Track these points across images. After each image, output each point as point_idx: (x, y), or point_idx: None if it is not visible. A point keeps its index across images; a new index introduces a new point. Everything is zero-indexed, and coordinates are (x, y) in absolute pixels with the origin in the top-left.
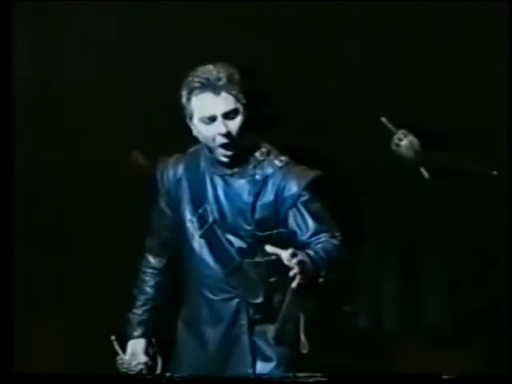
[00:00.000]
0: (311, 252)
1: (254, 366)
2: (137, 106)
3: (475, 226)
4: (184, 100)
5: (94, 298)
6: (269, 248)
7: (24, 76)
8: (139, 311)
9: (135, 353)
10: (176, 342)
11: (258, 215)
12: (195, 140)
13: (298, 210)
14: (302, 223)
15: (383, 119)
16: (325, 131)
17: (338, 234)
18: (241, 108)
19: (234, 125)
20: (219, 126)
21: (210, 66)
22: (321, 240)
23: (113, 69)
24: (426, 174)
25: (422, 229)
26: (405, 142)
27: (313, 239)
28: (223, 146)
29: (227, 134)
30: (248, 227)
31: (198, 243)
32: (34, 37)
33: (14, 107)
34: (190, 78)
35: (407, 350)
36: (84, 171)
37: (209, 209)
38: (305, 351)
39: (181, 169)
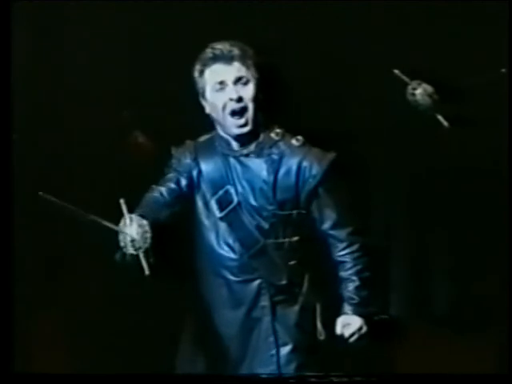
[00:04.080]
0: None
1: (277, 347)
2: (136, 100)
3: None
4: (197, 74)
5: (94, 298)
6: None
7: (24, 76)
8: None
9: (141, 222)
10: (193, 328)
11: (279, 194)
12: (208, 121)
13: (321, 198)
14: (324, 213)
15: (396, 71)
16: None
17: (357, 242)
18: (253, 79)
19: (246, 91)
20: (230, 92)
21: (225, 42)
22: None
23: (113, 68)
24: (444, 123)
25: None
26: (419, 90)
27: (333, 232)
28: (234, 113)
29: (238, 99)
30: (270, 207)
31: (216, 226)
32: (33, 37)
33: (14, 107)
34: (204, 52)
35: (407, 349)
36: (84, 165)
37: (232, 190)
38: (322, 337)
39: (197, 153)
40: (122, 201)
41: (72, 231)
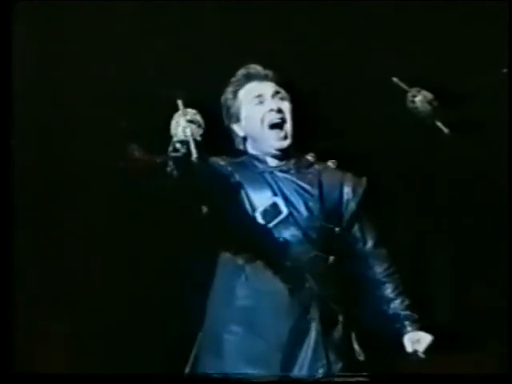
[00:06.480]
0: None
1: (327, 358)
2: (135, 102)
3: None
4: (230, 97)
5: (94, 297)
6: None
7: (24, 76)
8: None
9: (195, 115)
10: (231, 334)
11: (325, 207)
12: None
13: (363, 219)
14: (366, 233)
15: (395, 79)
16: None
17: (392, 262)
18: (288, 99)
19: (284, 105)
20: (269, 104)
21: (256, 65)
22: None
23: (112, 68)
24: (445, 129)
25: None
26: (419, 97)
27: (375, 252)
28: (274, 126)
29: (278, 110)
30: (317, 218)
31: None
32: (34, 37)
33: (15, 107)
34: (236, 75)
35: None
36: (83, 168)
37: (280, 202)
38: (361, 358)
39: (232, 166)
40: (179, 101)
41: (72, 231)
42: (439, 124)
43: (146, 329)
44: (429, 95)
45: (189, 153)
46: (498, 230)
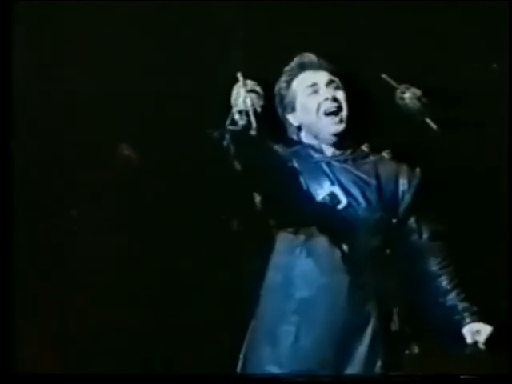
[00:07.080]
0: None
1: (384, 352)
2: (136, 103)
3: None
4: (283, 87)
5: (94, 297)
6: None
7: (24, 76)
8: None
9: (256, 86)
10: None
11: (383, 197)
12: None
13: (419, 210)
14: (422, 224)
15: (384, 76)
16: None
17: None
18: (342, 88)
19: (339, 94)
20: (324, 93)
21: (310, 54)
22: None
23: (112, 68)
24: (433, 126)
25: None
26: (408, 93)
27: (432, 244)
28: (330, 113)
29: (333, 99)
30: (375, 208)
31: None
32: (34, 37)
33: (14, 108)
34: (289, 65)
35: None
36: (83, 168)
37: (338, 192)
38: (416, 351)
39: (288, 154)
40: (239, 73)
41: (73, 232)
42: (428, 121)
43: (145, 329)
44: (418, 92)
45: (248, 125)
46: (494, 229)
